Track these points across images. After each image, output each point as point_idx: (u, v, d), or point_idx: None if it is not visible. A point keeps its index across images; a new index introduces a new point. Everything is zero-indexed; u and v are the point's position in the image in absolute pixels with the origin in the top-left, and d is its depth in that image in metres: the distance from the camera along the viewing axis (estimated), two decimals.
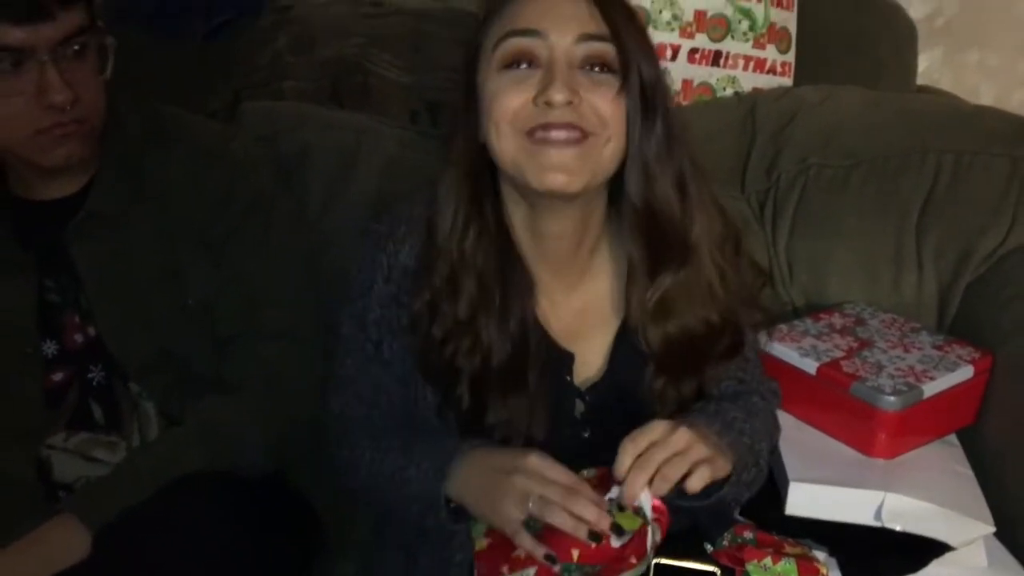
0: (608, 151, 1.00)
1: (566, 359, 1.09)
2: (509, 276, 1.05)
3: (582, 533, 0.91)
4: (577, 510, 0.92)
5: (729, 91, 1.67)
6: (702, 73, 1.65)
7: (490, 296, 1.04)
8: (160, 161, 1.25)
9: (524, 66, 0.98)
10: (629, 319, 1.09)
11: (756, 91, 1.66)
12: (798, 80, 1.70)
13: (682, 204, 1.04)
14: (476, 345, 1.03)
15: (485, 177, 1.05)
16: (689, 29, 1.63)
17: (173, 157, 1.26)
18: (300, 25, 1.67)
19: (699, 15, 1.63)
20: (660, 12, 1.62)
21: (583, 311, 1.12)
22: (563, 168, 0.98)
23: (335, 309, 1.19)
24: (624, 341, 1.10)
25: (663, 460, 0.94)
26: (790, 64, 1.69)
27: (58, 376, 1.24)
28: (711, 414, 1.05)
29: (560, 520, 0.92)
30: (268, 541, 1.15)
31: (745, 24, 1.65)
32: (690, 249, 1.05)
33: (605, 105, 0.98)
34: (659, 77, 1.02)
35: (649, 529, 0.93)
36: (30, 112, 1.13)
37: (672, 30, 1.63)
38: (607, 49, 0.98)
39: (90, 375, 1.25)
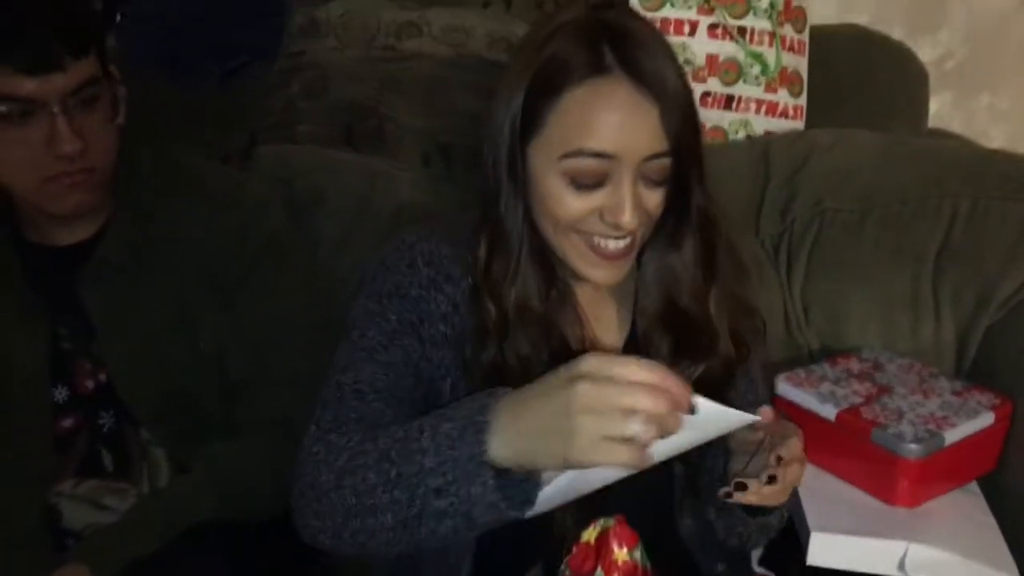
0: (648, 231, 1.03)
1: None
2: (561, 308, 1.06)
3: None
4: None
5: (741, 135, 1.67)
6: (714, 117, 1.65)
7: (546, 332, 1.03)
8: (173, 208, 1.25)
9: (593, 183, 0.96)
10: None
11: (768, 134, 1.66)
12: (810, 123, 1.69)
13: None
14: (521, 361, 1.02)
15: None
16: (701, 74, 1.63)
17: (186, 204, 1.26)
18: (313, 70, 1.68)
19: (711, 59, 1.63)
20: None
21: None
22: (612, 274, 1.02)
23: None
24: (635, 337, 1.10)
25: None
26: (802, 107, 1.69)
27: (68, 422, 1.23)
28: None
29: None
30: None
31: (757, 68, 1.65)
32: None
33: (656, 207, 1.00)
34: (702, 185, 1.03)
35: None
36: (38, 161, 1.12)
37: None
38: (668, 164, 0.98)
39: (100, 421, 1.24)
